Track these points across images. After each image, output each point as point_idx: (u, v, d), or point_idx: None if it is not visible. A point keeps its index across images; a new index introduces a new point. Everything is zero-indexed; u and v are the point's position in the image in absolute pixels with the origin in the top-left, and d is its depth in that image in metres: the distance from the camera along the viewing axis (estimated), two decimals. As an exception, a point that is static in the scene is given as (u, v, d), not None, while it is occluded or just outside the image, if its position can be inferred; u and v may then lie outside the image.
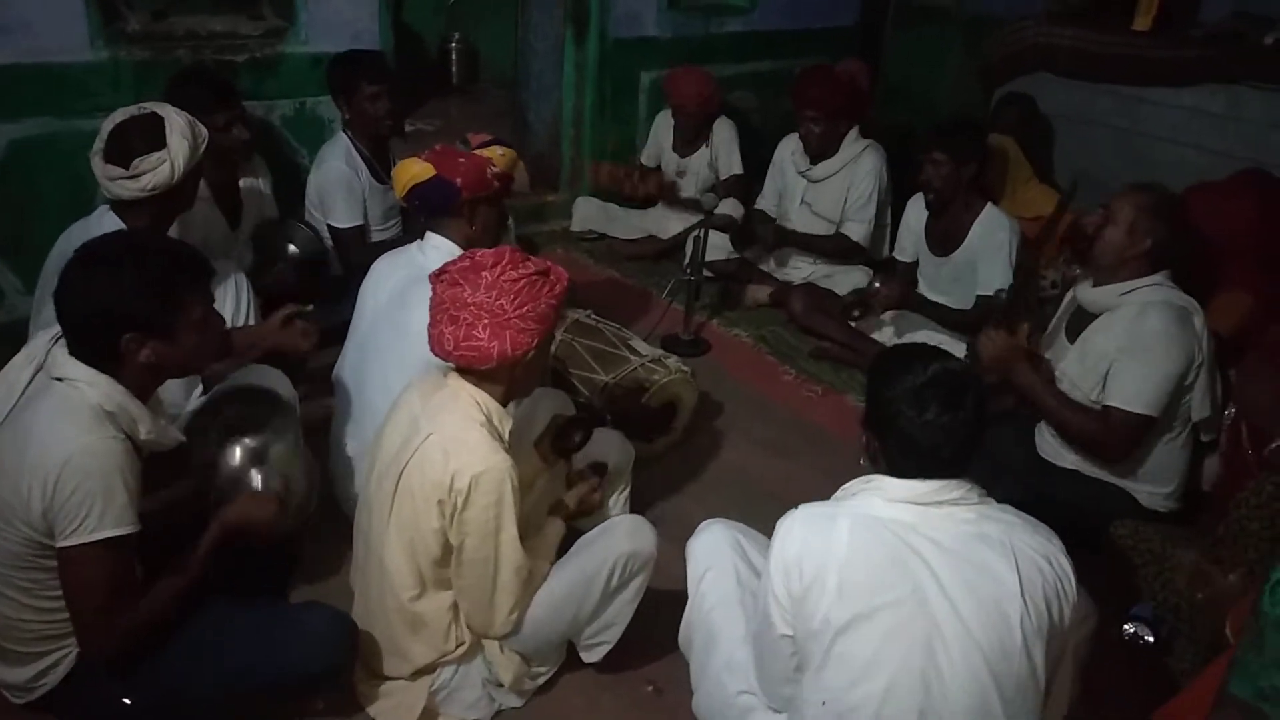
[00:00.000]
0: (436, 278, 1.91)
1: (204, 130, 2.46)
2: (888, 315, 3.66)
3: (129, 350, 1.74)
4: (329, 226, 3.39)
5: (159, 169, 2.32)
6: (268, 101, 3.59)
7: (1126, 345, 2.40)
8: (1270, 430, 2.37)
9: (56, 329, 1.82)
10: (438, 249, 2.41)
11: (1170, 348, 2.37)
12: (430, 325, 1.91)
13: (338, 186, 3.33)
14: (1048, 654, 1.49)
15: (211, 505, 1.99)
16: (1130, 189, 2.53)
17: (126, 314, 1.73)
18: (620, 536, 2.06)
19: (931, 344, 1.74)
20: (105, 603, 1.73)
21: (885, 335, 3.69)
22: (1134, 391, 2.38)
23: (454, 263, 1.92)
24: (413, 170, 2.40)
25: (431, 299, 1.91)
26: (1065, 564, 1.52)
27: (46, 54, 3.10)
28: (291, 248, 3.30)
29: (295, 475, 2.17)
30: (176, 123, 2.38)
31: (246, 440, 2.19)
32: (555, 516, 2.16)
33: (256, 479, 2.11)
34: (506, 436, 1.93)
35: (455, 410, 1.90)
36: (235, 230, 3.18)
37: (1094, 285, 2.55)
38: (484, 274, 1.85)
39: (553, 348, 3.06)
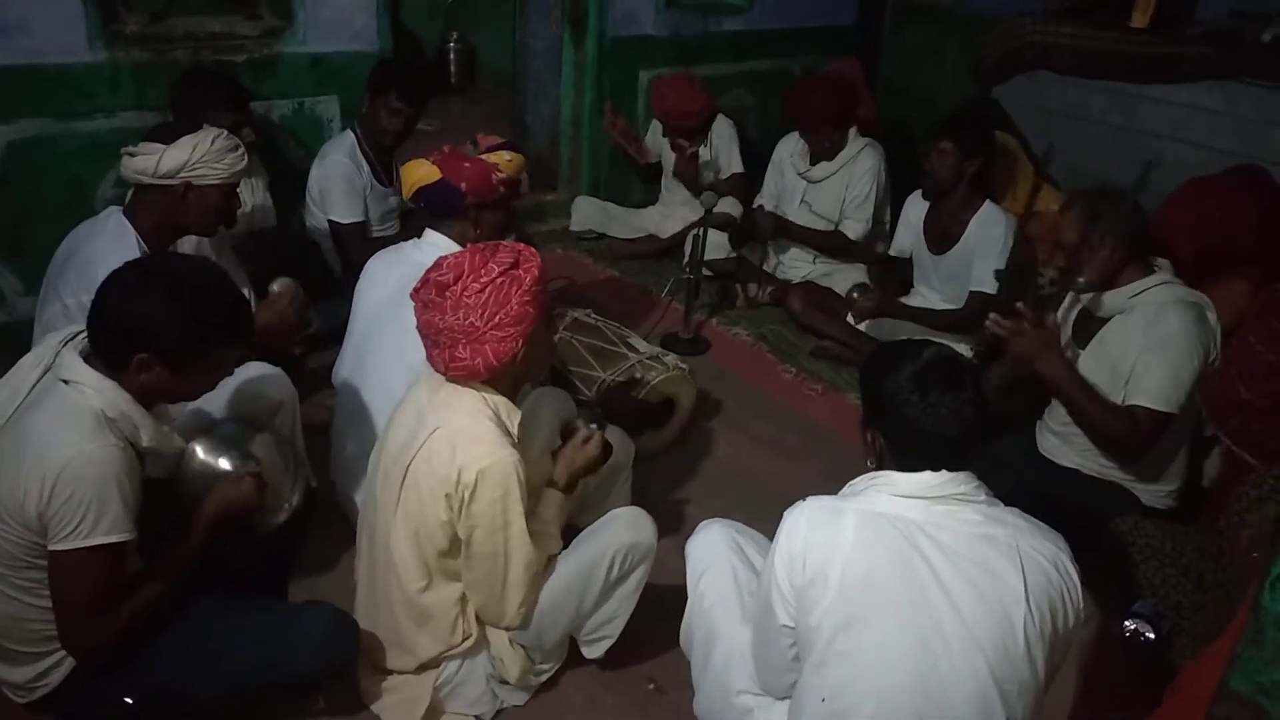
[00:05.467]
0: (415, 296, 1.89)
1: (227, 167, 2.42)
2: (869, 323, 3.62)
3: (135, 366, 1.75)
4: (329, 222, 3.39)
5: (147, 157, 2.35)
6: (266, 101, 3.59)
7: (1148, 345, 2.39)
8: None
9: (66, 331, 1.83)
10: (435, 246, 2.41)
11: (1192, 346, 2.36)
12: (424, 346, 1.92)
13: (339, 180, 3.33)
14: (1049, 659, 1.49)
15: (190, 508, 1.96)
16: (1062, 209, 2.58)
17: (154, 337, 1.73)
18: (620, 528, 2.06)
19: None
20: (88, 607, 1.74)
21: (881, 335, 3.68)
22: (1158, 390, 2.37)
23: (422, 281, 1.89)
24: (419, 172, 2.40)
25: (416, 321, 1.90)
26: (1072, 570, 1.51)
27: (45, 55, 3.10)
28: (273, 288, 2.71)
29: (269, 455, 2.13)
30: (199, 137, 2.38)
31: (205, 437, 2.12)
32: (550, 489, 2.08)
33: (225, 463, 2.07)
34: (515, 430, 1.93)
35: (462, 404, 1.90)
36: (230, 229, 3.17)
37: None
38: (449, 293, 1.83)
39: (556, 337, 3.07)
